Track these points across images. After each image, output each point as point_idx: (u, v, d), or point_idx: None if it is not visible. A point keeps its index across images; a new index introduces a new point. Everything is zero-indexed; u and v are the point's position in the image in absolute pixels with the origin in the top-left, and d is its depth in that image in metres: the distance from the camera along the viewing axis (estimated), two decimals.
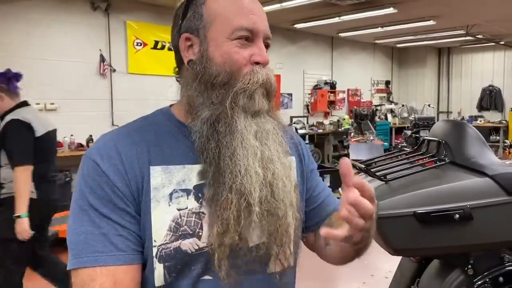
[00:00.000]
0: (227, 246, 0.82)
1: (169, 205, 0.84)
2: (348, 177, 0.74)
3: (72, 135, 6.18)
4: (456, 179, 1.67)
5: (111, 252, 0.80)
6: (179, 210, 0.84)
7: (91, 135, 6.30)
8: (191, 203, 0.85)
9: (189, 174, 0.87)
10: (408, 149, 2.12)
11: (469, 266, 1.76)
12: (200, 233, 0.84)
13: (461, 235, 1.61)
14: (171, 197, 0.85)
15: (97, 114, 6.90)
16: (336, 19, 8.51)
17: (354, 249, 0.90)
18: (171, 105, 0.97)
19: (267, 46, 0.92)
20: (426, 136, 2.02)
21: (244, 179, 0.82)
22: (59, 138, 6.17)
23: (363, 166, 1.84)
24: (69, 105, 6.56)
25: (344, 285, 3.87)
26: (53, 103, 6.40)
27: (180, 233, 0.84)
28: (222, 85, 0.86)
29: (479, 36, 10.60)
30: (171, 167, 0.87)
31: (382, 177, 1.73)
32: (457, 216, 1.59)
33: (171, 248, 0.83)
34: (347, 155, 8.04)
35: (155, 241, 0.83)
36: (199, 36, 0.89)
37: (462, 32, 10.00)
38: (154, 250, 0.83)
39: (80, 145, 6.20)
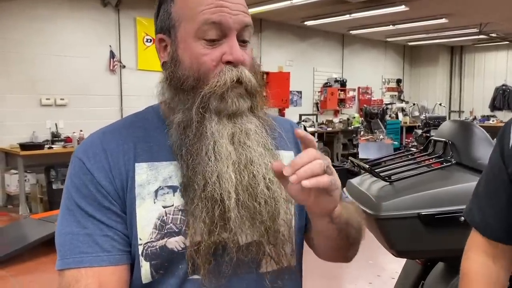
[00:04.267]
0: (206, 248, 0.79)
1: (155, 203, 0.83)
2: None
3: (81, 131, 6.22)
4: (462, 181, 1.63)
5: (96, 253, 0.79)
6: (164, 207, 0.83)
7: None
8: (177, 200, 0.83)
9: (176, 171, 0.85)
10: (414, 149, 2.09)
11: None
12: (187, 231, 0.81)
13: (466, 238, 1.57)
14: (156, 194, 0.83)
15: (107, 110, 6.94)
16: (347, 17, 8.44)
17: (335, 234, 0.84)
18: (162, 101, 0.94)
19: (243, 41, 0.85)
20: (433, 136, 1.98)
21: (215, 186, 0.79)
22: (68, 133, 6.25)
23: (367, 166, 1.81)
24: (79, 101, 6.61)
25: (350, 284, 3.83)
26: (63, 99, 6.45)
27: (165, 231, 0.82)
28: (190, 89, 0.83)
29: (493, 35, 10.45)
30: (157, 164, 0.85)
31: (387, 178, 1.70)
32: (462, 218, 1.55)
33: (157, 246, 0.81)
34: (356, 154, 7.99)
35: (140, 239, 0.81)
36: (170, 37, 0.86)
37: (475, 30, 9.86)
38: (140, 248, 0.81)
39: None
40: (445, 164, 1.73)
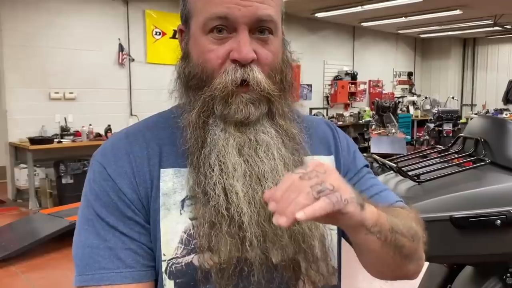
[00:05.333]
0: (222, 268, 0.71)
1: (181, 214, 0.74)
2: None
3: (90, 125, 6.16)
4: (497, 181, 1.53)
5: (117, 269, 0.71)
6: (192, 219, 0.74)
7: (109, 125, 6.27)
8: None
9: None
10: (442, 147, 1.98)
11: (508, 275, 1.63)
12: (213, 247, 0.73)
13: (503, 242, 1.48)
14: (183, 205, 0.75)
15: (116, 103, 6.88)
16: (359, 8, 8.30)
17: (379, 246, 0.70)
18: None
19: (262, 31, 0.73)
20: (462, 134, 1.88)
21: (220, 199, 0.70)
22: (78, 127, 6.19)
23: (395, 165, 1.71)
24: (88, 95, 6.55)
25: (363, 283, 3.75)
26: (72, 92, 6.39)
27: (192, 246, 0.73)
28: (196, 88, 0.75)
29: (507, 27, 10.22)
30: (184, 170, 0.76)
31: (415, 178, 1.61)
32: (499, 222, 1.45)
33: (183, 263, 0.73)
34: (367, 148, 7.87)
35: (164, 254, 0.73)
36: (187, 28, 0.78)
37: (489, 22, 9.66)
38: (164, 265, 0.73)
39: (99, 134, 6.18)
40: (478, 164, 1.63)
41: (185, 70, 0.76)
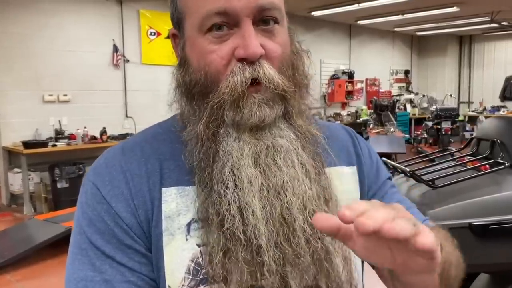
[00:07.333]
0: None
1: (187, 240, 0.65)
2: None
3: (85, 127, 6.06)
4: None
5: None
6: (199, 246, 0.65)
7: (104, 128, 6.17)
8: None
9: None
10: (454, 149, 1.90)
11: None
12: (227, 277, 0.64)
13: None
14: (189, 229, 0.66)
15: (111, 105, 6.78)
16: (355, 6, 8.23)
17: (432, 285, 0.61)
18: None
19: (266, 21, 0.64)
20: (475, 135, 1.80)
21: (236, 220, 0.61)
22: (72, 130, 6.08)
23: (408, 170, 1.63)
24: (82, 97, 6.44)
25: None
26: (66, 95, 6.28)
27: (201, 276, 0.65)
28: (200, 97, 0.66)
29: (505, 23, 10.20)
30: (189, 189, 0.67)
31: (430, 183, 1.53)
32: None
33: None
34: None
35: (169, 286, 0.64)
36: (180, 31, 0.70)
37: (486, 19, 9.62)
38: None
39: (94, 137, 6.07)
40: (496, 167, 1.54)
41: (185, 78, 0.67)
